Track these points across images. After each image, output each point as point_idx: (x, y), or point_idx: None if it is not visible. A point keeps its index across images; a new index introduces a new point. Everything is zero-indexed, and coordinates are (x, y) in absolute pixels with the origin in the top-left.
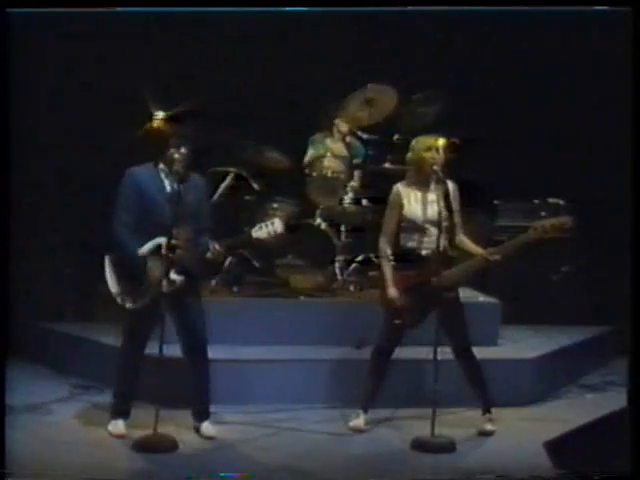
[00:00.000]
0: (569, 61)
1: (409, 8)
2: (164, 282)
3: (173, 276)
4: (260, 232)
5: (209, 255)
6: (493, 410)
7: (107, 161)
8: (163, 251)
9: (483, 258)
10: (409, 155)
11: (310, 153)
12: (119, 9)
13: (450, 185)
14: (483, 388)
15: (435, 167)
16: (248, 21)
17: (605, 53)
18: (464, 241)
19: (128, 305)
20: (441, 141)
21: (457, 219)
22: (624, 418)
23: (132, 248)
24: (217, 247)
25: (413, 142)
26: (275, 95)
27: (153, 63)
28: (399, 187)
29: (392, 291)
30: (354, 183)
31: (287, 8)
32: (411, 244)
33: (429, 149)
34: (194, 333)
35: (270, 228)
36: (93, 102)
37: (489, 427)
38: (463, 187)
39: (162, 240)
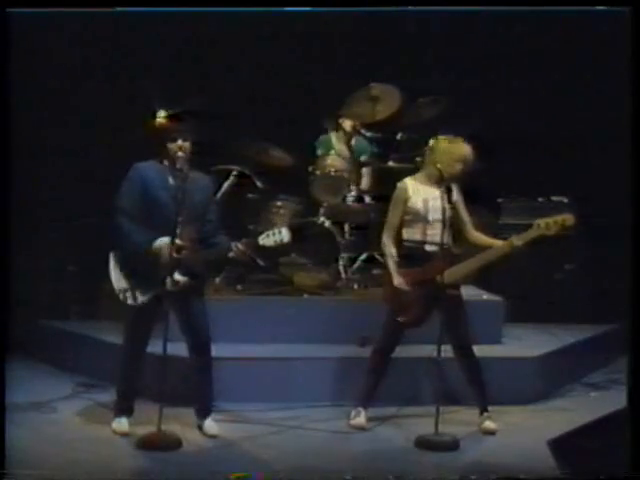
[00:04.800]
0: (569, 61)
1: (410, 8)
2: (168, 281)
3: (177, 277)
4: (267, 240)
5: (232, 254)
6: (489, 408)
7: (108, 159)
8: (169, 251)
9: (508, 243)
10: (429, 156)
11: (318, 154)
12: (119, 9)
13: (453, 186)
14: (482, 388)
15: (439, 165)
16: (249, 21)
17: (605, 53)
18: (479, 236)
19: (130, 302)
20: (467, 151)
21: (466, 217)
22: (627, 417)
23: (135, 239)
24: (240, 247)
25: (436, 144)
26: (278, 93)
27: (154, 63)
28: (407, 181)
29: (397, 280)
30: (358, 181)
31: (288, 8)
32: (416, 237)
33: (458, 160)
34: (197, 332)
35: (277, 237)
36: (93, 101)
37: (491, 425)
38: (466, 185)
39: (166, 240)
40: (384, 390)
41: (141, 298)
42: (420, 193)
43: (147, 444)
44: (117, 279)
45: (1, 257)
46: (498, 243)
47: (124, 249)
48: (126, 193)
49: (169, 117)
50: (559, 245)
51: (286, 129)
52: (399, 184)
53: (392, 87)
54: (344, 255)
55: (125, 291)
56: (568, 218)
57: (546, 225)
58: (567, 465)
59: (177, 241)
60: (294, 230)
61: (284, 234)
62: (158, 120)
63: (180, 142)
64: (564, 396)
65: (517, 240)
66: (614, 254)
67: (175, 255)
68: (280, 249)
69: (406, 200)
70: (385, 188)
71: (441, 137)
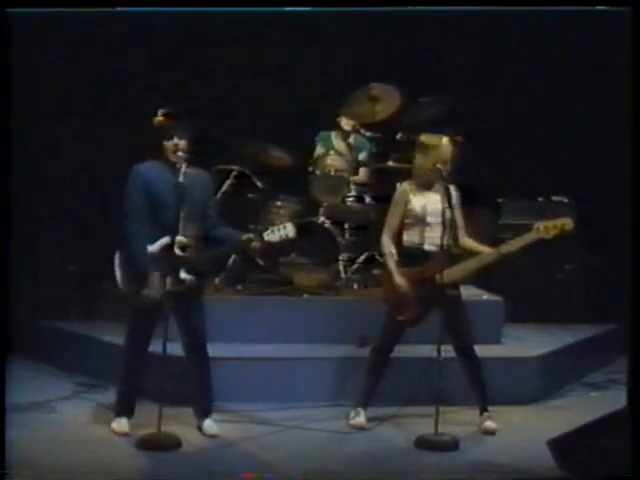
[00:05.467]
0: (569, 61)
1: (409, 8)
2: (170, 280)
3: (183, 275)
4: (272, 235)
5: (254, 245)
6: (489, 408)
7: (108, 159)
8: (175, 250)
9: (495, 252)
10: (415, 158)
11: (318, 150)
12: (119, 9)
13: (452, 188)
14: (482, 388)
15: (439, 165)
16: (249, 21)
17: (605, 53)
18: (468, 242)
19: (135, 303)
20: (445, 140)
21: (460, 221)
22: (627, 417)
23: (141, 244)
24: (259, 244)
25: (418, 141)
26: (278, 93)
27: (153, 63)
28: (405, 184)
29: (399, 279)
30: (358, 181)
31: (288, 8)
32: (415, 240)
33: (434, 148)
34: (194, 332)
35: (282, 232)
36: (93, 101)
37: (491, 425)
38: (467, 185)
39: (170, 239)
40: (384, 390)
41: (146, 300)
42: (420, 197)
43: (147, 444)
44: (123, 281)
45: (1, 257)
46: (486, 250)
47: (130, 253)
48: (128, 197)
49: (165, 115)
50: (559, 245)
51: (286, 129)
52: (400, 186)
53: (392, 87)
54: (344, 255)
55: (130, 292)
56: (567, 223)
57: (545, 229)
58: (567, 465)
59: (181, 239)
60: (299, 226)
61: (289, 229)
62: (154, 119)
63: (176, 140)
64: (564, 396)
65: (506, 247)
66: (614, 254)
67: (180, 253)
68: (284, 247)
69: (406, 203)
70: (385, 188)
71: (422, 137)
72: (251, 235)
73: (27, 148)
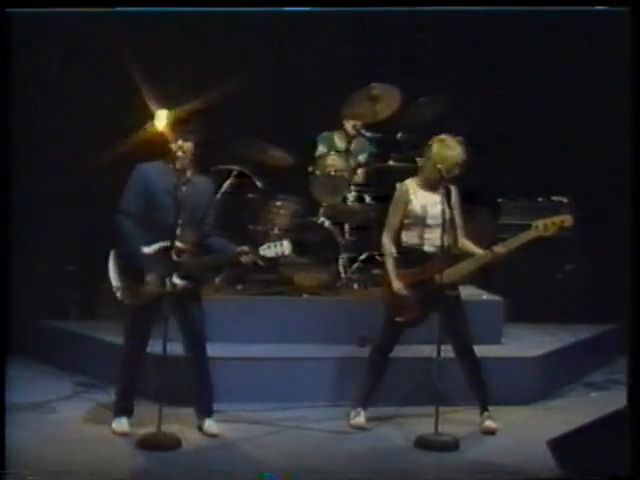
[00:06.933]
0: (569, 61)
1: (410, 8)
2: (167, 283)
3: (176, 280)
4: (268, 251)
5: (248, 259)
6: (489, 408)
7: (108, 159)
8: (172, 255)
9: (489, 253)
10: (426, 157)
11: (319, 149)
12: (119, 9)
13: (452, 189)
14: (482, 388)
15: (439, 166)
16: (249, 21)
17: (605, 53)
18: (466, 244)
19: (127, 301)
20: (462, 143)
21: (459, 222)
22: (627, 417)
23: (135, 241)
24: (251, 256)
25: (433, 145)
26: (278, 93)
27: (154, 63)
28: (407, 183)
29: (396, 284)
30: (358, 181)
31: (288, 8)
32: (414, 241)
33: (452, 150)
34: (193, 332)
35: (278, 249)
36: (93, 102)
37: (492, 425)
38: (467, 185)
39: (168, 243)
40: (384, 390)
41: (138, 298)
42: (420, 197)
43: (147, 444)
44: (115, 278)
45: (1, 257)
46: (479, 252)
47: (123, 250)
48: (128, 194)
49: (170, 118)
50: (559, 245)
51: (286, 129)
52: (401, 185)
53: (392, 87)
54: (344, 255)
55: (122, 290)
56: (566, 219)
57: (544, 226)
58: (567, 465)
59: (178, 244)
60: (295, 242)
61: (285, 246)
62: (159, 121)
63: (180, 142)
64: (564, 396)
65: (502, 247)
66: (614, 254)
67: (175, 258)
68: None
69: (407, 202)
70: (385, 188)
71: (435, 138)
72: (245, 248)
73: (27, 148)
